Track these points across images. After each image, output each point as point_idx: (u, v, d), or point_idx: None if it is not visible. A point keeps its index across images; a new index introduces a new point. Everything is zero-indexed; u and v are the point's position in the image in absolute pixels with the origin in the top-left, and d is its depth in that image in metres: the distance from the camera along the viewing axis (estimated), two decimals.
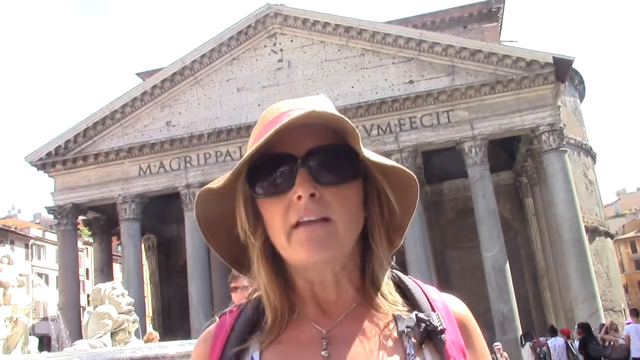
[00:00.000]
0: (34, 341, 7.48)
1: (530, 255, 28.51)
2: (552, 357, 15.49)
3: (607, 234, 39.43)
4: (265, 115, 1.09)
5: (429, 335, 1.05)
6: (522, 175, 28.52)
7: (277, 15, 26.32)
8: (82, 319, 16.42)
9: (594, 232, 35.14)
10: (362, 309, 1.09)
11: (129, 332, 8.16)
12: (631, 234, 78.67)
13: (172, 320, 30.40)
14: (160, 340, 11.63)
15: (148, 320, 31.02)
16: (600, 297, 24.36)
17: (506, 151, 27.18)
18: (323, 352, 1.04)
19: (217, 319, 1.19)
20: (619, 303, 36.55)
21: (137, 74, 36.65)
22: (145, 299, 31.05)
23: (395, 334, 1.06)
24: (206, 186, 1.06)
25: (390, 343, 1.05)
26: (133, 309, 8.51)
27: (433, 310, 1.09)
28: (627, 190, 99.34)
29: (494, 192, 23.66)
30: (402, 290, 1.14)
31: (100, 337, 7.62)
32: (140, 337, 10.02)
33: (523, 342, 17.37)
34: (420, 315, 1.06)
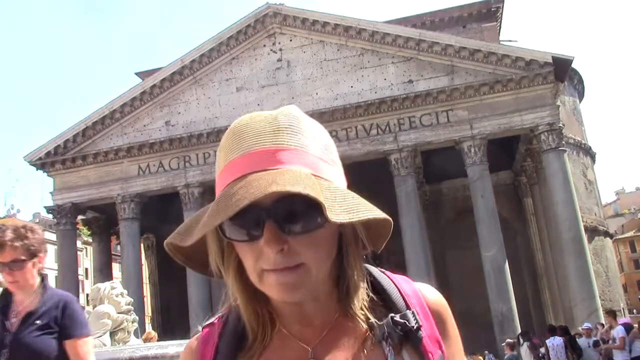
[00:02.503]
0: None
1: (530, 255, 28.53)
2: (550, 356, 15.50)
3: (606, 234, 39.49)
4: (231, 140, 1.03)
5: (407, 336, 1.06)
6: (522, 175, 28.54)
7: (277, 14, 26.32)
8: None
9: (593, 232, 35.19)
10: (343, 320, 1.09)
11: (128, 331, 8.15)
12: (630, 234, 78.81)
13: (172, 320, 30.39)
14: (159, 340, 11.63)
15: (147, 320, 31.05)
16: (600, 297, 24.38)
17: (505, 151, 27.18)
18: None
19: (200, 329, 1.18)
20: (618, 303, 36.61)
21: (137, 74, 36.63)
22: (145, 299, 31.06)
23: (373, 343, 1.06)
24: (172, 242, 1.03)
25: (371, 353, 1.06)
26: (132, 308, 8.49)
27: (408, 307, 1.10)
28: (626, 189, 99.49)
29: (493, 192, 23.67)
30: (376, 288, 1.13)
31: (100, 336, 7.61)
32: (140, 337, 10.01)
33: (521, 342, 17.34)
34: (396, 317, 1.07)
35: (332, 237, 1.04)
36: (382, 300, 1.12)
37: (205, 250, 1.09)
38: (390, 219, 1.07)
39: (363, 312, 1.09)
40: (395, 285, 1.14)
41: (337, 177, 1.05)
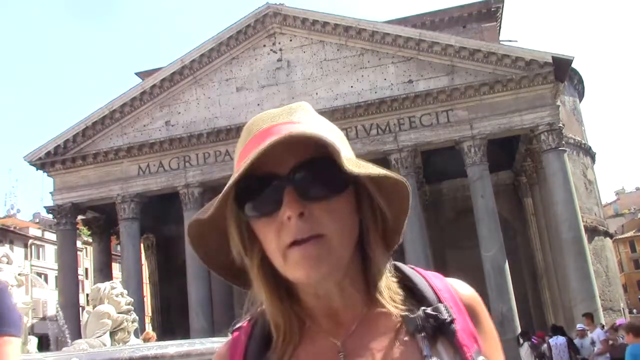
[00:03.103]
0: (33, 341, 7.47)
1: (530, 254, 28.53)
2: (553, 355, 15.51)
3: (606, 234, 39.48)
4: (249, 129, 1.09)
5: (440, 329, 1.04)
6: (522, 175, 28.53)
7: (277, 14, 26.32)
8: (81, 319, 16.40)
9: (593, 232, 35.18)
10: (372, 314, 1.09)
11: (128, 331, 8.15)
12: (630, 234, 78.81)
13: (172, 320, 30.39)
14: (158, 340, 11.63)
15: (147, 320, 31.04)
16: (600, 297, 24.37)
17: (505, 151, 27.18)
18: None
19: (230, 334, 1.17)
20: (618, 302, 36.60)
21: (137, 74, 36.61)
22: (145, 299, 31.05)
23: (407, 335, 1.05)
24: (195, 217, 1.05)
25: (404, 346, 1.05)
26: (132, 308, 8.50)
27: (440, 301, 1.09)
28: (626, 189, 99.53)
29: (493, 192, 23.67)
30: (406, 283, 1.13)
31: (100, 336, 7.62)
32: (140, 337, 10.02)
33: (521, 342, 17.32)
34: (428, 310, 1.06)
35: (351, 211, 1.05)
36: (412, 295, 1.11)
37: (226, 249, 1.09)
38: (407, 183, 1.07)
39: (393, 304, 1.08)
40: (426, 280, 1.14)
41: (352, 156, 1.07)
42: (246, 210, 1.03)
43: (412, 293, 1.11)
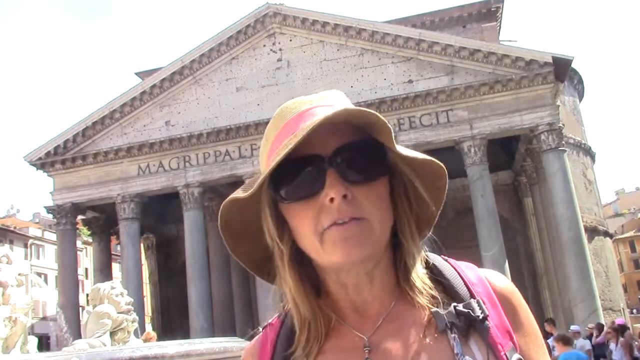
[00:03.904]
0: (33, 341, 7.47)
1: (530, 254, 28.53)
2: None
3: (606, 234, 39.46)
4: (282, 114, 1.05)
5: (473, 326, 1.00)
6: (521, 175, 28.53)
7: (277, 14, 26.32)
8: (81, 319, 16.39)
9: (593, 232, 35.16)
10: (400, 308, 1.05)
11: (128, 331, 8.15)
12: (630, 234, 78.78)
13: (171, 320, 30.40)
14: (158, 340, 11.63)
15: (147, 320, 31.02)
16: (600, 297, 24.38)
17: (505, 151, 27.19)
18: None
19: (261, 330, 1.15)
20: (617, 302, 36.57)
21: (136, 74, 36.63)
22: (145, 299, 31.04)
23: (437, 332, 1.01)
24: (232, 196, 1.02)
25: (434, 343, 1.01)
26: (132, 308, 8.49)
27: (472, 296, 1.05)
28: (626, 189, 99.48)
29: (493, 192, 23.67)
30: (437, 275, 1.09)
31: (100, 336, 7.62)
32: (140, 337, 10.01)
33: None
34: (459, 307, 1.02)
35: (388, 197, 1.03)
36: (443, 289, 1.07)
37: (254, 237, 1.07)
38: (444, 167, 1.05)
39: (423, 299, 1.04)
40: (459, 273, 1.10)
41: None
42: (282, 193, 1.00)
43: (443, 286, 1.08)
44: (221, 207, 1.05)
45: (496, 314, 1.04)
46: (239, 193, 1.02)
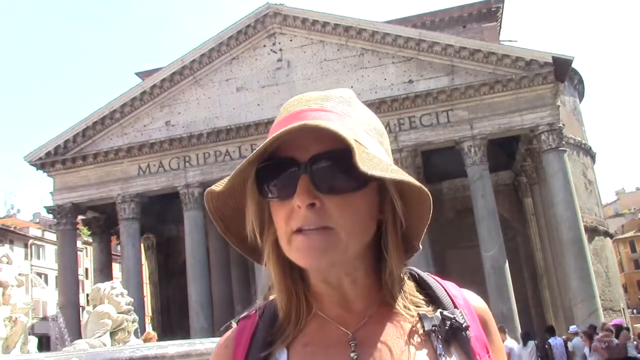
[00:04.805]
0: (34, 341, 7.47)
1: (530, 254, 28.53)
2: (555, 355, 15.68)
3: (607, 234, 39.45)
4: (285, 107, 1.07)
5: (454, 334, 1.04)
6: (522, 175, 28.53)
7: (277, 14, 26.32)
8: (81, 319, 16.41)
9: (593, 232, 35.16)
10: (386, 310, 1.08)
11: (128, 331, 8.15)
12: (630, 234, 78.77)
13: (172, 320, 30.41)
14: (158, 340, 11.63)
15: (147, 320, 31.04)
16: (600, 297, 24.38)
17: (505, 151, 27.19)
18: (352, 354, 1.02)
19: (235, 324, 1.16)
20: (618, 303, 36.56)
21: (137, 74, 36.63)
22: (145, 299, 31.07)
23: (421, 333, 1.05)
24: (209, 189, 1.04)
25: (418, 343, 1.04)
26: (132, 308, 8.50)
27: (455, 307, 1.09)
28: (626, 189, 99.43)
29: (493, 192, 23.66)
30: (422, 287, 1.13)
31: (100, 336, 7.62)
32: (140, 337, 10.02)
33: (525, 342, 17.27)
34: (445, 313, 1.05)
35: (368, 209, 1.02)
36: (429, 300, 1.11)
37: (243, 223, 1.08)
38: (428, 192, 1.05)
39: (407, 305, 1.07)
40: (442, 286, 1.14)
41: (380, 153, 1.04)
42: (263, 190, 1.02)
43: (429, 297, 1.11)
44: (204, 195, 1.06)
45: (476, 327, 1.09)
46: (217, 186, 1.03)
